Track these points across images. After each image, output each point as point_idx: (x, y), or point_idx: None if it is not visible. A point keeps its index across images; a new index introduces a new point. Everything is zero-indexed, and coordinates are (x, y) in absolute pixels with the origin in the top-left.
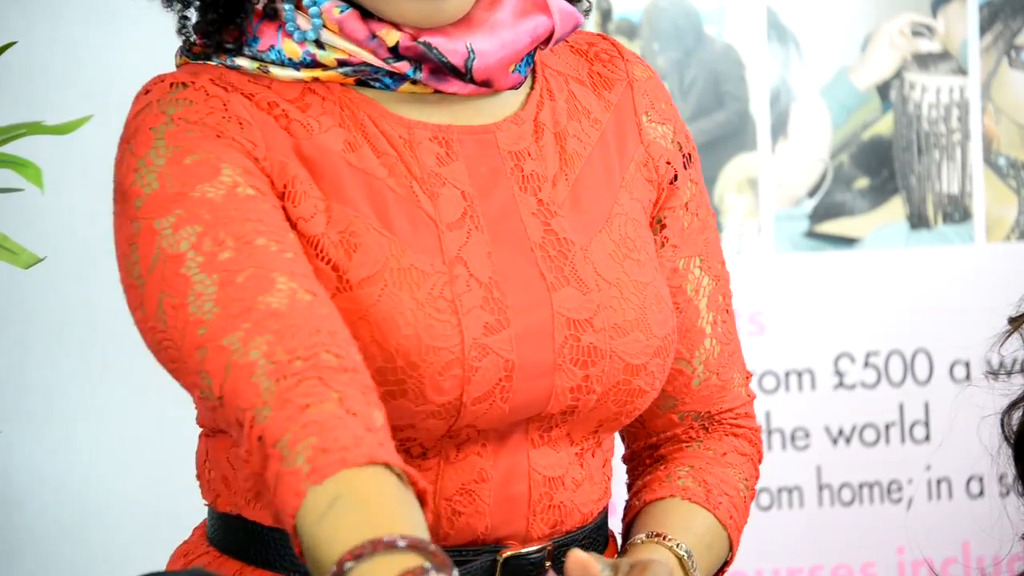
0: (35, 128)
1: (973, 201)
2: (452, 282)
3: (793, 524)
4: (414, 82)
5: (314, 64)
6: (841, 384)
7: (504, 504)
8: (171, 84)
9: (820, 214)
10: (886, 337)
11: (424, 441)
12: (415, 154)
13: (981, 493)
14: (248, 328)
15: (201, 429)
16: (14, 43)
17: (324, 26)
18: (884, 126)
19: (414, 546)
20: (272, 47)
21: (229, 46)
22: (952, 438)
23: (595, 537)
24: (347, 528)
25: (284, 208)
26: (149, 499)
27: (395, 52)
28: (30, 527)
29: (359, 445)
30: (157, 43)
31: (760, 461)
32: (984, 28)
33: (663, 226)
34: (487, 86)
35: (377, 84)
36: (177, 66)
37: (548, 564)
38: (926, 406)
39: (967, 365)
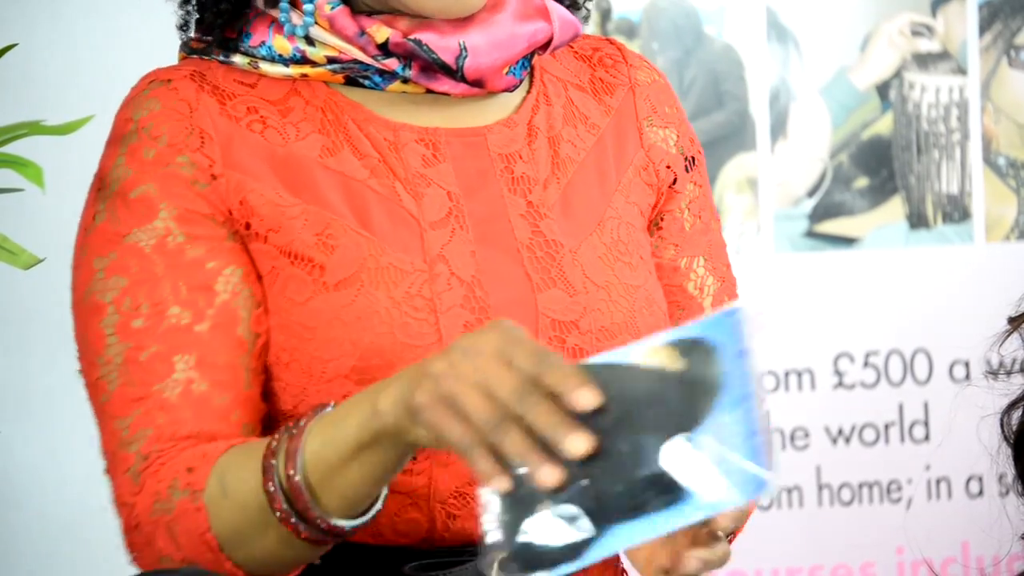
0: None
1: (972, 201)
2: (432, 280)
3: (792, 524)
4: (405, 80)
5: (304, 61)
6: (841, 384)
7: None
8: (150, 81)
9: (819, 214)
10: (885, 337)
11: None
12: (400, 156)
13: (980, 493)
14: (139, 416)
15: None
16: (15, 45)
17: (316, 23)
18: (883, 126)
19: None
20: (263, 43)
21: (223, 42)
22: (951, 438)
23: None
24: (249, 471)
25: (239, 229)
26: None
27: (385, 49)
28: (30, 527)
29: (214, 450)
30: (157, 43)
31: None
32: (983, 28)
33: (661, 227)
34: (479, 86)
35: (367, 82)
36: (179, 60)
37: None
38: (925, 406)
39: (967, 365)
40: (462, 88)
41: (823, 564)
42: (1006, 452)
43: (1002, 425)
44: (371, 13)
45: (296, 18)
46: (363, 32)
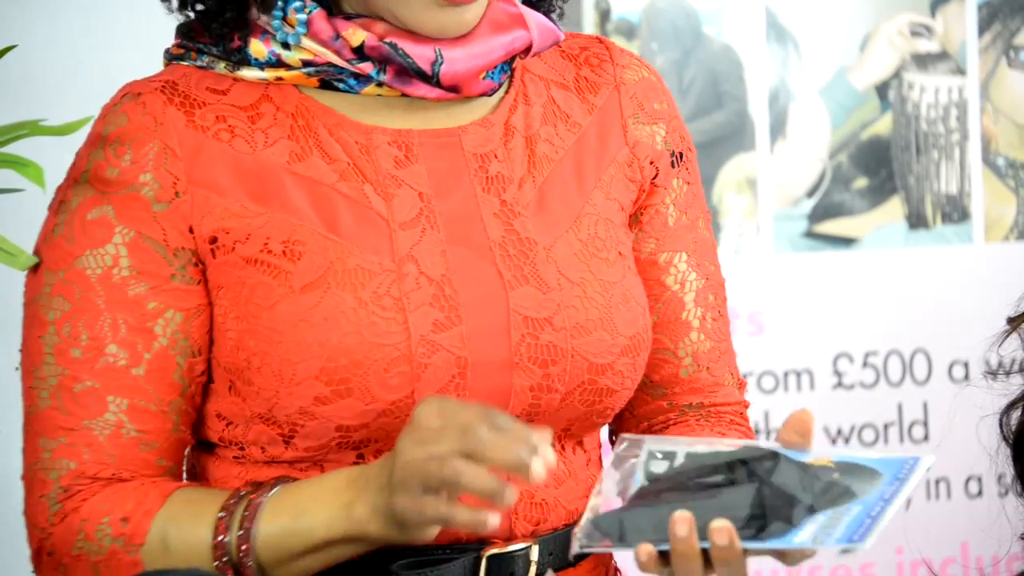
0: (35, 128)
1: (972, 201)
2: (400, 280)
3: None
4: (380, 84)
5: (279, 64)
6: (840, 384)
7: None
8: (124, 94)
9: (819, 214)
10: (885, 337)
11: (382, 441)
12: (371, 158)
13: (980, 493)
14: (63, 443)
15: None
16: (14, 46)
17: (306, 31)
18: (883, 126)
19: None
20: (240, 47)
21: (200, 46)
22: (951, 438)
23: None
24: (196, 537)
25: (199, 247)
26: None
27: (360, 53)
28: None
29: (146, 498)
30: (157, 43)
31: None
32: (983, 28)
33: (642, 222)
34: (455, 91)
35: (342, 86)
36: (164, 67)
37: (550, 569)
38: (925, 406)
39: (966, 365)
40: (438, 93)
41: (822, 564)
42: (1005, 452)
43: (1001, 425)
44: (349, 17)
45: (288, 27)
46: (338, 36)
